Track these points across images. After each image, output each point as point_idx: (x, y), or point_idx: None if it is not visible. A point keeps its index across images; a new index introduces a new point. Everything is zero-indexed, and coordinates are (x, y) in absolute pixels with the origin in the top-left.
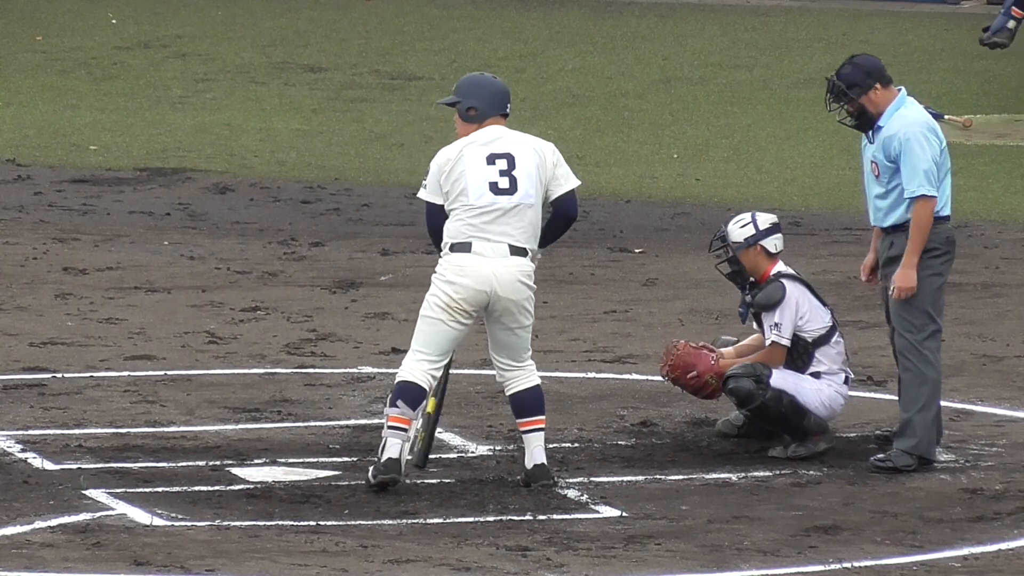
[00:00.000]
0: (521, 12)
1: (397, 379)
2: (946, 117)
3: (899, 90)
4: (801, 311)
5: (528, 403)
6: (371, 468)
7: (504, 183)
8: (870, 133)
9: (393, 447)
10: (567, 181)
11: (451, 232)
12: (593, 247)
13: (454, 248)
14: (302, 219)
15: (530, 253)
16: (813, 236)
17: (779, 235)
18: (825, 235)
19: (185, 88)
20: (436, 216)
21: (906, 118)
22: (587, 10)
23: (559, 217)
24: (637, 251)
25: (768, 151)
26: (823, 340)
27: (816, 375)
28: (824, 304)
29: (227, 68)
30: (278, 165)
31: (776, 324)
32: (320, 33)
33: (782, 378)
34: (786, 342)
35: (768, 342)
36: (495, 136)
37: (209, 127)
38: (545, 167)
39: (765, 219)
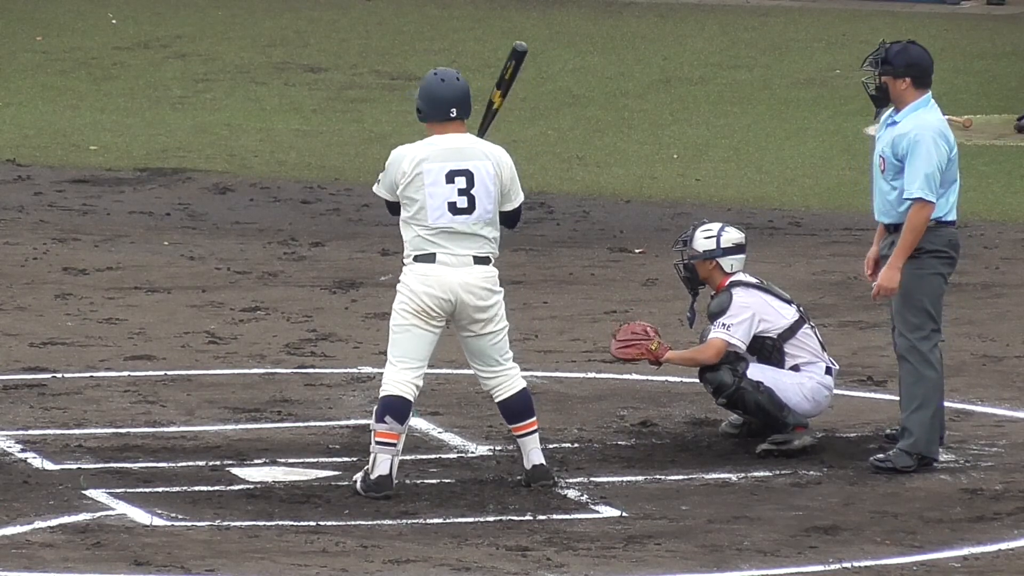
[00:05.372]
0: (521, 12)
1: (381, 393)
2: (946, 118)
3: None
4: (757, 316)
5: (517, 408)
6: (359, 481)
7: (463, 203)
8: (883, 118)
9: (383, 464)
10: (516, 198)
11: (413, 244)
12: (593, 247)
13: (418, 259)
14: (302, 219)
15: (492, 259)
16: (813, 236)
17: (741, 256)
18: (825, 235)
19: (185, 88)
20: (394, 206)
21: (921, 120)
22: (587, 10)
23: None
24: (637, 251)
25: (768, 151)
26: (788, 335)
27: (796, 368)
28: (788, 301)
29: (227, 68)
30: (278, 165)
31: (724, 325)
32: (320, 33)
33: (760, 371)
34: (735, 341)
35: (712, 336)
36: (454, 147)
37: (209, 127)
38: (502, 181)
39: (730, 238)
